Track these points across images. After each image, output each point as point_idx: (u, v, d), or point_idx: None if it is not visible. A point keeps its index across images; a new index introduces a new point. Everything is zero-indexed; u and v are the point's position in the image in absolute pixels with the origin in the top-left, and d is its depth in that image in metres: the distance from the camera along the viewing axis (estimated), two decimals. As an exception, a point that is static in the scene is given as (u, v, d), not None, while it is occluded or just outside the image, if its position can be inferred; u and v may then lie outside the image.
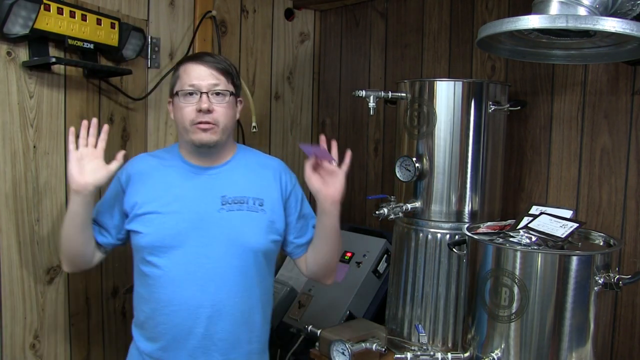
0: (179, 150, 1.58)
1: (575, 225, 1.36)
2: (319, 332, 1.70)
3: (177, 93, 1.50)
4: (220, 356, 1.49)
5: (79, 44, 1.69)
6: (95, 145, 1.45)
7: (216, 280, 1.48)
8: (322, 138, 1.49)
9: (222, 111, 1.48)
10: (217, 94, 1.48)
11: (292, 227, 1.60)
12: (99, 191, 1.50)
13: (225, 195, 1.51)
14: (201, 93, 1.46)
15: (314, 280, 1.75)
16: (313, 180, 1.47)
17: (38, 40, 1.61)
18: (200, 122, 1.46)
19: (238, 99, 1.58)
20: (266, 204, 1.54)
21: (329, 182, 1.46)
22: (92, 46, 1.73)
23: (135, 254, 1.54)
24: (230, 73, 1.52)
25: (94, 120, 1.46)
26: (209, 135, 1.47)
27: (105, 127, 1.47)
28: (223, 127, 1.49)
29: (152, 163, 1.57)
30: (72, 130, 1.45)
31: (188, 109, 1.47)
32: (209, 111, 1.46)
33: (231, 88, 1.51)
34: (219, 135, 1.49)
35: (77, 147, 1.43)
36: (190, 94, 1.47)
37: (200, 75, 1.47)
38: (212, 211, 1.49)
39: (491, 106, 1.66)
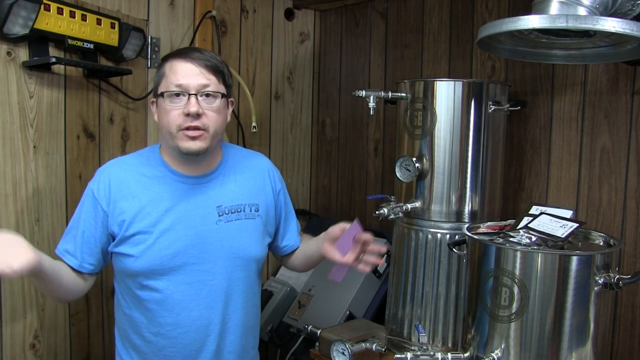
0: (160, 156, 1.41)
1: (575, 225, 1.36)
2: (319, 332, 1.70)
3: (162, 94, 1.33)
4: None
5: (79, 44, 1.69)
6: None
7: (223, 295, 1.40)
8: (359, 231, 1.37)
9: (212, 116, 1.32)
10: (207, 95, 1.31)
11: (281, 227, 1.58)
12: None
13: (221, 205, 1.40)
14: (189, 95, 1.29)
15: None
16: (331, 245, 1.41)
17: (38, 40, 1.61)
18: (188, 128, 1.30)
19: (229, 100, 1.42)
20: (261, 208, 1.48)
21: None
22: (92, 46, 1.73)
23: (124, 277, 1.40)
24: (221, 71, 1.35)
25: None
26: (197, 144, 1.31)
27: None
28: (213, 133, 1.33)
29: (130, 172, 1.39)
30: None
31: (174, 113, 1.30)
32: (197, 115, 1.29)
33: (222, 89, 1.35)
34: (208, 142, 1.33)
35: None
36: (177, 95, 1.30)
37: (188, 74, 1.30)
38: (210, 224, 1.38)
39: (491, 106, 1.66)
